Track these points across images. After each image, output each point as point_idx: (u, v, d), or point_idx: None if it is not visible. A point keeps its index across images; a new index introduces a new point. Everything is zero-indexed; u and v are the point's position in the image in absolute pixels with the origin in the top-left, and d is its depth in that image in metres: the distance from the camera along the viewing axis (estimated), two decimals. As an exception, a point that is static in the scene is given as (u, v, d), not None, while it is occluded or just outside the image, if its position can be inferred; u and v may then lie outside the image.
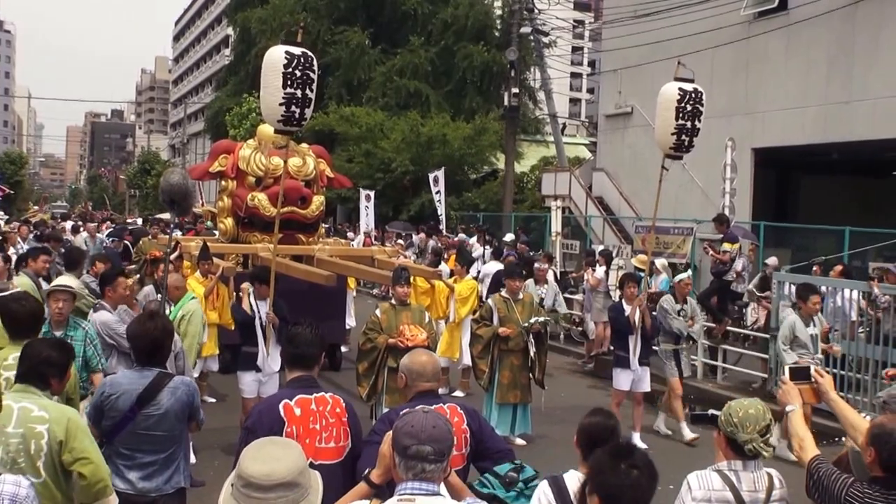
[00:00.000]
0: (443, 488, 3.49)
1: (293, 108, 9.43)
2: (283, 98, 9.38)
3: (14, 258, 13.54)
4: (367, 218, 28.22)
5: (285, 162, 11.07)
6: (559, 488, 4.05)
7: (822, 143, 20.56)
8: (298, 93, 9.40)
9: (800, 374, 4.57)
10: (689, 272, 11.73)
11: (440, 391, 5.13)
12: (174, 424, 5.35)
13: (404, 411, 3.63)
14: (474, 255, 21.48)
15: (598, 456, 3.41)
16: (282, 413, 4.59)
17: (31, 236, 20.75)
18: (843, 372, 11.96)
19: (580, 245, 23.44)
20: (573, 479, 4.06)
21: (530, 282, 14.41)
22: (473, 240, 23.79)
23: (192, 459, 7.89)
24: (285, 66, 9.35)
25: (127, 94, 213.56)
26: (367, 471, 3.78)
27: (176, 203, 8.59)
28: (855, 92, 19.46)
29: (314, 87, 9.58)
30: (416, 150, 35.07)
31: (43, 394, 4.71)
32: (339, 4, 42.59)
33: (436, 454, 3.32)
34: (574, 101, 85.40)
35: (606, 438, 4.06)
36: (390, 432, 3.52)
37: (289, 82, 9.36)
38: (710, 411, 4.37)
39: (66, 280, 7.41)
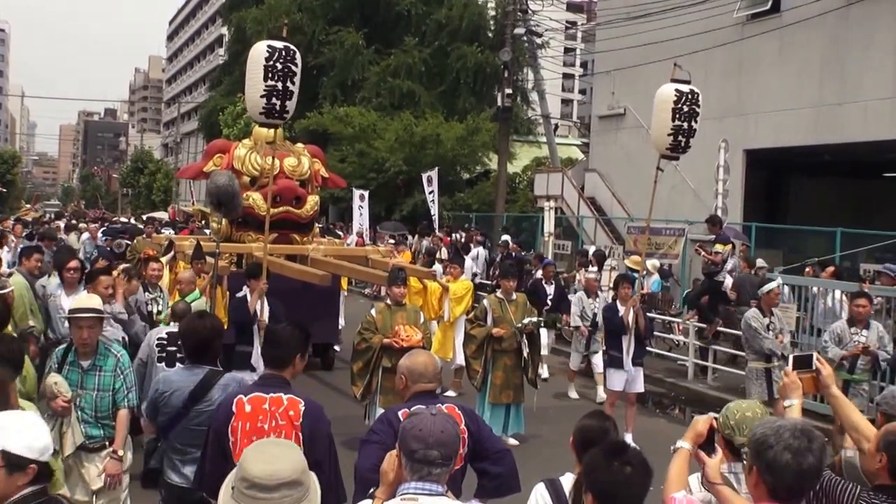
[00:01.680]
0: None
1: (274, 100, 9.44)
2: (264, 90, 9.40)
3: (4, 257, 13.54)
4: (360, 218, 28.18)
5: (274, 159, 11.00)
6: (556, 491, 4.04)
7: (814, 144, 20.61)
8: (279, 85, 9.41)
9: (802, 362, 4.34)
10: (779, 280, 11.47)
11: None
12: None
13: (411, 412, 3.59)
14: (471, 255, 21.55)
15: (592, 454, 3.41)
16: (233, 407, 4.63)
17: (23, 235, 20.67)
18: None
19: (572, 245, 23.47)
20: (570, 482, 4.04)
21: (582, 294, 14.20)
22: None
23: None
24: (266, 59, 9.38)
25: (120, 93, 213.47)
26: (371, 490, 3.74)
27: (223, 205, 8.57)
28: (847, 94, 19.51)
29: (297, 80, 9.57)
30: (410, 150, 35.03)
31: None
32: (333, 5, 42.52)
33: (443, 458, 3.32)
34: (566, 102, 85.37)
35: (601, 440, 4.02)
36: (392, 452, 3.52)
37: (269, 74, 9.38)
38: (711, 413, 4.33)
39: (88, 301, 6.30)
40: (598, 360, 13.50)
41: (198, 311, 6.57)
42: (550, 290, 15.14)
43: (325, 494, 3.25)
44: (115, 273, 9.29)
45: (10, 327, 7.36)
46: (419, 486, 3.32)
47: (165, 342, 7.81)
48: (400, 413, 4.38)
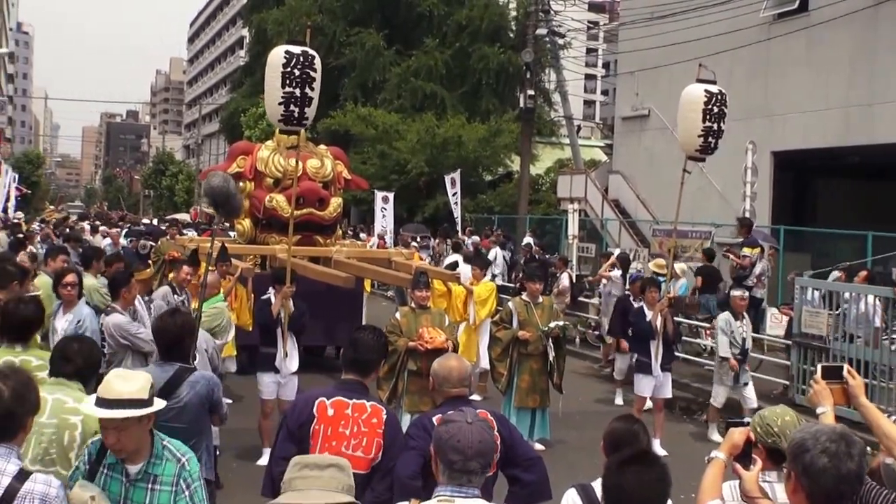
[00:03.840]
0: None
1: (292, 107, 9.42)
2: (282, 97, 9.38)
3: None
4: (383, 220, 28.14)
5: (297, 162, 10.98)
6: (588, 497, 4.00)
7: (842, 146, 20.39)
8: (297, 91, 9.38)
9: (832, 373, 4.29)
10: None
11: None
12: (194, 417, 5.42)
13: (445, 418, 3.53)
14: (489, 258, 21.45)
15: (610, 461, 3.37)
16: (314, 409, 4.62)
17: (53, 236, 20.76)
18: (866, 380, 11.80)
19: (596, 248, 23.36)
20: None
21: (727, 316, 11.89)
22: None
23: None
24: (284, 66, 9.35)
25: (142, 95, 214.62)
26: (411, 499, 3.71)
27: (220, 206, 8.54)
28: (877, 94, 19.29)
29: (316, 85, 9.53)
30: (431, 151, 34.99)
31: (79, 387, 4.73)
32: (354, 6, 42.54)
33: (482, 468, 3.31)
34: (588, 103, 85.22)
35: (630, 443, 4.00)
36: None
37: (287, 81, 9.35)
38: (746, 419, 4.25)
39: (121, 385, 4.06)
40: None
41: (170, 309, 6.59)
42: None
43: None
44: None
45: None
46: (455, 490, 3.32)
47: None
48: (434, 419, 4.34)
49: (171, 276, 11.77)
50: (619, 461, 3.28)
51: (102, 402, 3.86)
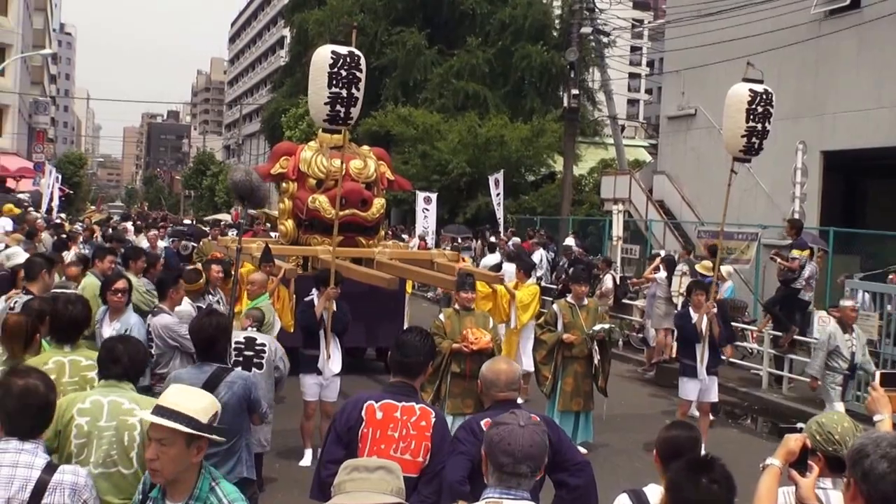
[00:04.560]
0: None
1: (338, 107, 9.51)
2: (329, 97, 9.47)
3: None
4: (424, 221, 28.21)
5: (342, 163, 11.08)
6: (640, 502, 3.98)
7: (894, 146, 20.12)
8: (344, 92, 9.47)
9: (891, 380, 4.31)
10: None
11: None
12: (233, 418, 5.49)
13: (495, 421, 3.58)
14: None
15: (676, 469, 3.35)
16: (363, 412, 4.67)
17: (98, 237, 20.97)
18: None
19: (640, 250, 23.25)
20: (654, 493, 3.98)
21: (833, 329, 11.20)
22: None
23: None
24: (331, 66, 9.44)
25: (183, 96, 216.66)
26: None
27: (245, 199, 8.69)
28: (929, 93, 19.04)
29: (361, 86, 9.62)
30: (473, 151, 35.03)
31: (130, 387, 4.83)
32: (396, 5, 42.68)
33: (532, 471, 3.33)
34: (632, 102, 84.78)
35: (689, 451, 3.97)
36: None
37: (334, 82, 9.44)
38: (799, 425, 4.24)
39: (181, 397, 3.83)
40: None
41: (206, 310, 6.66)
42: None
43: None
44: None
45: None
46: (504, 492, 3.35)
47: (243, 346, 7.89)
48: (483, 423, 4.38)
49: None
50: (685, 469, 3.29)
51: (157, 409, 3.70)
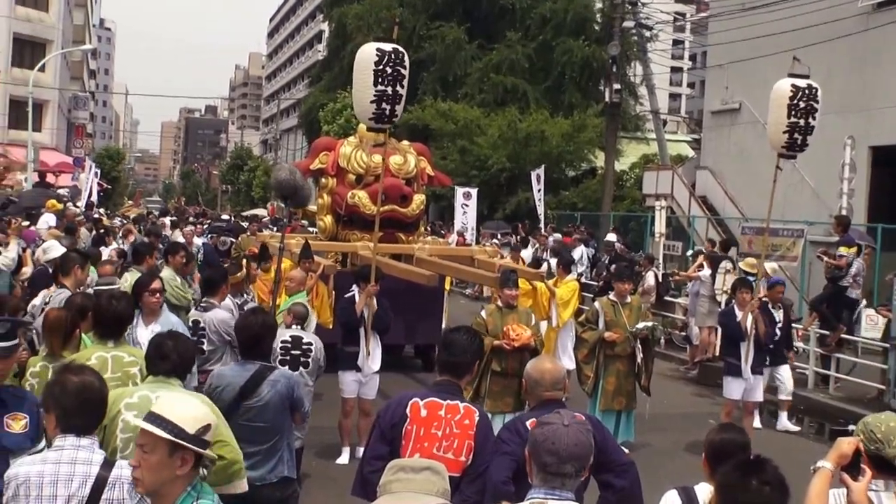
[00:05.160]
0: None
1: (384, 105, 9.54)
2: (374, 95, 9.49)
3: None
4: (463, 217, 28.19)
5: (384, 159, 11.11)
6: (690, 499, 3.96)
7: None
8: (389, 90, 9.49)
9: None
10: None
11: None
12: (275, 416, 5.58)
13: (540, 421, 3.58)
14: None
15: (728, 471, 3.33)
16: (407, 409, 4.70)
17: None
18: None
19: (683, 247, 23.09)
20: (704, 492, 3.96)
21: None
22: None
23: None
24: (376, 64, 9.45)
25: (221, 90, 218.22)
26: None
27: (288, 198, 8.77)
28: (981, 87, 18.74)
29: (405, 83, 9.65)
30: (513, 147, 34.99)
31: (178, 383, 4.88)
32: (435, -1, 42.75)
33: (576, 471, 3.32)
34: (674, 97, 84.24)
35: (738, 454, 3.92)
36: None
37: (380, 79, 9.46)
38: (851, 427, 4.19)
39: (174, 405, 3.64)
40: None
41: (251, 308, 6.68)
42: (778, 315, 12.54)
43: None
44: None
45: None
46: (549, 493, 3.35)
47: (290, 345, 7.95)
48: (528, 423, 4.39)
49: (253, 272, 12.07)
50: (736, 471, 3.27)
51: (147, 414, 3.56)
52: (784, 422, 12.62)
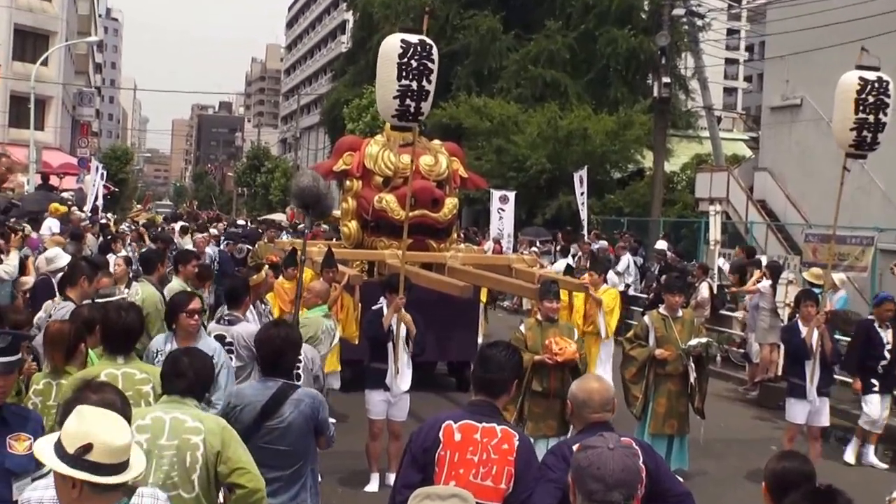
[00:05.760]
0: None
1: (408, 101, 9.52)
2: (398, 90, 9.48)
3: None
4: (500, 222, 28.16)
5: (413, 160, 11.12)
6: None
7: None
8: (414, 85, 9.47)
9: None
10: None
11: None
12: (298, 439, 5.58)
13: (584, 444, 3.56)
14: (619, 268, 21.34)
15: (796, 502, 3.29)
16: (440, 433, 4.67)
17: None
18: None
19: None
20: None
21: None
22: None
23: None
24: (400, 56, 9.45)
25: (236, 86, 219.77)
26: None
27: (310, 207, 8.79)
28: None
29: (433, 77, 9.62)
30: (554, 146, 34.90)
31: (195, 404, 4.90)
32: (468, -14, 42.74)
33: (625, 498, 3.31)
34: (729, 91, 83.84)
35: (802, 486, 3.88)
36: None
37: (404, 73, 9.45)
38: None
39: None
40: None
41: (273, 321, 6.66)
42: (887, 336, 11.98)
43: None
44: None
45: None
46: None
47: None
48: (574, 447, 4.36)
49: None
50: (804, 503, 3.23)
51: (66, 456, 3.32)
52: (870, 457, 12.28)
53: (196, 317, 7.16)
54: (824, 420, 11.05)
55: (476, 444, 4.63)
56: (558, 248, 25.71)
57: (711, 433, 11.89)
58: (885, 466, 12.18)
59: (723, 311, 18.97)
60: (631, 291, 21.39)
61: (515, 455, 4.63)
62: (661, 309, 10.96)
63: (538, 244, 27.65)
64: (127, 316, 5.97)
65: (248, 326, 8.10)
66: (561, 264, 20.30)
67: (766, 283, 16.15)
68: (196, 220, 37.55)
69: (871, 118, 10.40)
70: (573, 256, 23.15)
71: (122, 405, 3.95)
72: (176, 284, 10.34)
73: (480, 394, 4.86)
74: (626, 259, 22.43)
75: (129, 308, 6.25)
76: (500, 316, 23.11)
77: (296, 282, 12.27)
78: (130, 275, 12.51)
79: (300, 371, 7.77)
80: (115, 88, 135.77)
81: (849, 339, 13.21)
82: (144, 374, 5.72)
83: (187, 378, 4.90)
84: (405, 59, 9.47)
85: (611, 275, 15.39)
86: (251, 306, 9.37)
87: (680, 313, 10.83)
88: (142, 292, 9.73)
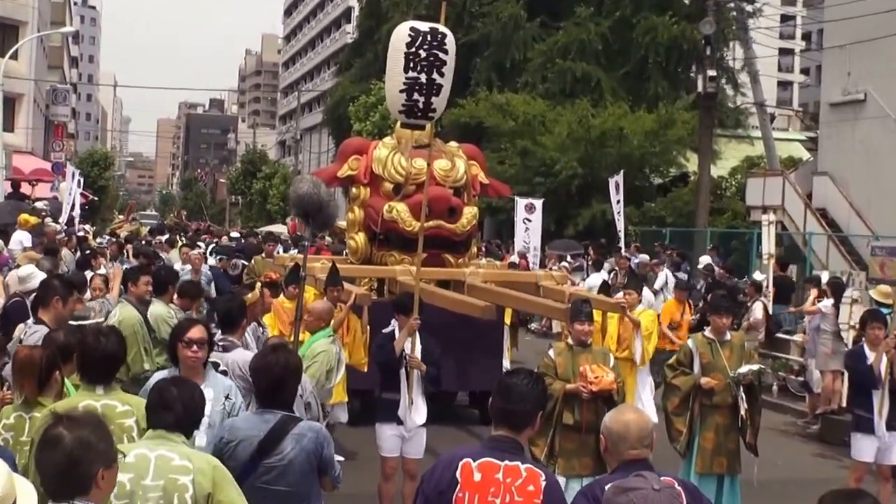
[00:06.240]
0: None
1: (415, 95, 9.61)
2: (405, 84, 9.58)
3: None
4: (526, 234, 28.09)
5: (429, 165, 11.13)
6: None
7: None
8: (423, 77, 9.55)
9: None
10: None
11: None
12: (300, 479, 5.58)
13: (621, 486, 3.56)
14: (656, 285, 21.30)
15: None
16: (457, 473, 4.66)
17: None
18: None
19: (798, 271, 22.89)
20: None
21: None
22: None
23: None
24: (408, 46, 9.56)
25: (228, 81, 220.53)
26: None
27: (311, 217, 8.82)
28: None
29: (446, 70, 9.65)
30: (586, 148, 34.95)
31: (182, 440, 4.92)
32: (488, -31, 42.82)
33: None
34: (784, 85, 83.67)
35: None
36: None
37: (411, 65, 9.54)
38: None
39: None
40: None
41: (270, 345, 6.61)
42: None
43: None
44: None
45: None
46: None
47: None
48: (607, 486, 4.36)
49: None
50: None
51: None
52: None
53: (196, 348, 6.72)
54: (895, 458, 10.98)
55: (498, 484, 4.62)
56: (590, 262, 25.68)
57: (766, 472, 11.83)
58: None
59: (779, 335, 18.89)
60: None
61: (542, 498, 4.62)
62: (707, 332, 10.92)
63: (568, 259, 27.58)
64: (107, 341, 5.97)
65: (244, 353, 8.06)
66: (595, 279, 20.30)
67: (827, 303, 16.09)
68: (185, 232, 37.61)
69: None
70: (610, 272, 23.13)
71: (100, 441, 3.95)
72: (160, 310, 10.33)
73: (501, 427, 4.84)
74: (664, 275, 22.35)
75: (109, 332, 6.26)
76: (528, 339, 23.05)
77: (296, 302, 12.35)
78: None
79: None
80: (93, 85, 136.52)
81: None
82: (127, 407, 5.73)
83: (175, 411, 4.91)
84: (413, 49, 9.55)
85: (646, 293, 15.35)
86: (248, 330, 9.39)
87: (728, 337, 10.78)
88: (120, 313, 9.76)
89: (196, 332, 6.75)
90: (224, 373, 7.81)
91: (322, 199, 8.78)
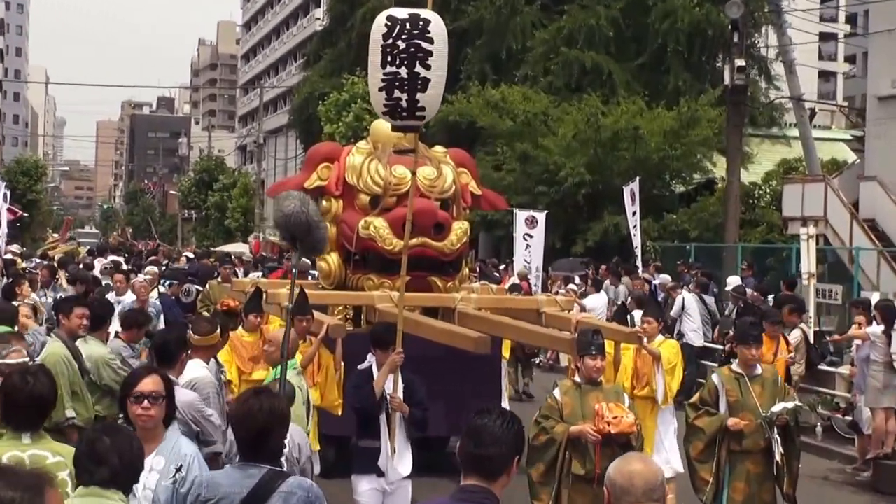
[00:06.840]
0: None
1: (396, 92, 9.61)
2: (383, 80, 9.59)
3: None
4: (527, 252, 28.08)
5: (413, 173, 11.15)
6: None
7: None
8: (403, 72, 9.55)
9: None
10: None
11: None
12: None
13: None
14: (672, 313, 21.35)
15: None
16: None
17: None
18: None
19: (844, 291, 22.91)
20: None
21: None
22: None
23: None
24: (384, 38, 9.56)
25: (178, 77, 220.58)
26: None
27: (298, 239, 8.83)
28: None
29: (432, 62, 9.66)
30: (596, 151, 35.00)
31: (120, 498, 4.92)
32: (480, -55, 42.97)
33: None
34: (825, 76, 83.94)
35: None
36: None
37: (388, 58, 9.55)
38: None
39: None
40: None
41: (253, 389, 6.56)
42: None
43: None
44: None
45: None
46: None
47: None
48: None
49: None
50: None
51: None
52: None
53: (147, 403, 6.34)
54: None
55: None
56: (589, 281, 25.69)
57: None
58: None
59: (822, 366, 18.87)
60: (695, 341, 21.29)
61: None
62: (735, 365, 10.91)
63: (576, 281, 27.54)
64: (35, 382, 5.97)
65: (186, 394, 8.07)
66: (594, 301, 20.27)
67: (877, 329, 16.09)
68: (130, 253, 37.51)
69: None
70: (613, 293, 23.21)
71: (28, 500, 3.91)
72: (96, 348, 10.33)
73: (472, 476, 4.84)
74: (681, 300, 22.32)
75: (36, 372, 6.25)
76: (533, 375, 23.03)
77: (258, 334, 12.32)
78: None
79: (283, 460, 7.76)
80: (20, 81, 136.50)
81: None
82: (59, 458, 5.74)
83: (110, 465, 4.90)
84: (390, 41, 9.55)
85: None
86: (205, 363, 9.39)
87: (759, 370, 10.79)
88: (46, 350, 9.79)
89: (148, 385, 6.40)
90: None
91: (311, 219, 8.78)
